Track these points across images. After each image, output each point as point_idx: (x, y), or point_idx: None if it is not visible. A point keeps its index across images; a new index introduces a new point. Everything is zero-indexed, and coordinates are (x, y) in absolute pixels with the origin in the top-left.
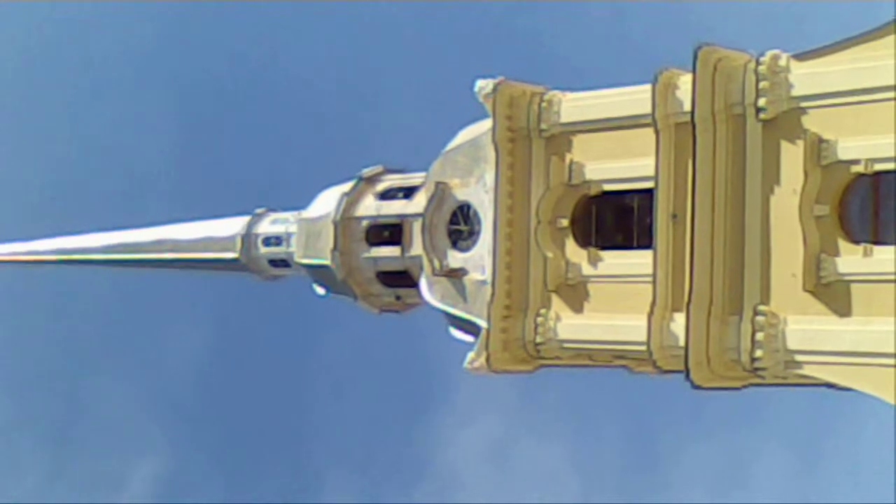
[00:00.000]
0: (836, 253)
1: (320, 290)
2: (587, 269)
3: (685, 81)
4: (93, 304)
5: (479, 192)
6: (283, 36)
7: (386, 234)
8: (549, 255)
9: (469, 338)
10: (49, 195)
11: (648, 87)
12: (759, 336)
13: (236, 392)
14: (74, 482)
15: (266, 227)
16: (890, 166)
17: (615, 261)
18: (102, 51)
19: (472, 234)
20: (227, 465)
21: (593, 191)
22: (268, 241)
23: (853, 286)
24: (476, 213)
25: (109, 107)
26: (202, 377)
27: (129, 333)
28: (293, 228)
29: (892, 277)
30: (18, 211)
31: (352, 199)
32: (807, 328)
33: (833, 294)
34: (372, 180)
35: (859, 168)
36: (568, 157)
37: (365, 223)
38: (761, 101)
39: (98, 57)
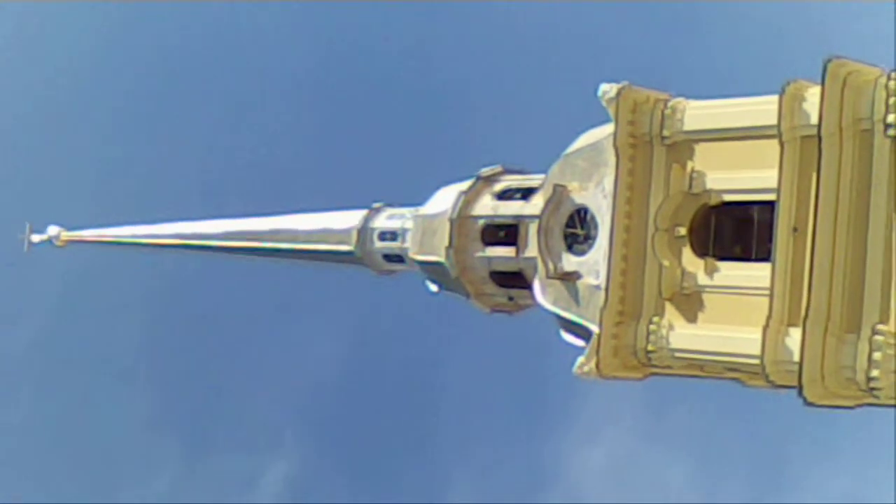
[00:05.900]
0: None
1: (433, 287)
2: (703, 279)
3: (813, 94)
4: (228, 301)
5: (598, 197)
6: (409, 35)
7: (501, 234)
8: (665, 263)
9: (580, 342)
10: (174, 181)
11: (775, 97)
12: (877, 356)
13: (362, 393)
14: (207, 482)
15: (382, 221)
16: None
17: (732, 272)
18: (229, 48)
19: (588, 239)
20: (354, 466)
21: (713, 200)
22: (383, 235)
23: None
24: (593, 218)
25: (240, 101)
26: (329, 377)
27: (261, 331)
28: (409, 224)
29: None
30: (143, 195)
31: (469, 197)
32: None
33: None
34: (490, 180)
35: None
36: (689, 165)
37: (481, 222)
38: (891, 118)
39: (224, 54)
